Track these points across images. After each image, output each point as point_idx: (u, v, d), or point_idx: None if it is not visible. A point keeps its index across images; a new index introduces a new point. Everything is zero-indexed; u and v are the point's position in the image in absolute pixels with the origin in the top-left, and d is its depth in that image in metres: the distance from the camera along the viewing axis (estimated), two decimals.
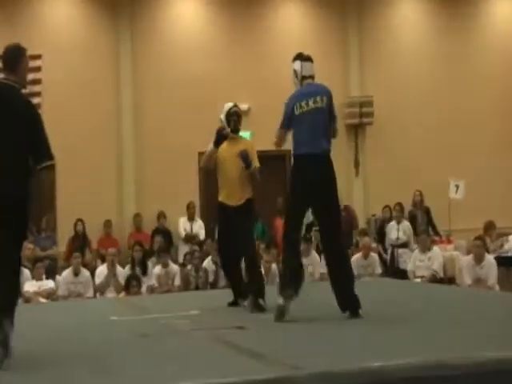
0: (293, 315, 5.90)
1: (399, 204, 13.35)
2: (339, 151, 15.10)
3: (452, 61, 15.79)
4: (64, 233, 13.46)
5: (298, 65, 6.34)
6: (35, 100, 13.92)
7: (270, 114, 14.43)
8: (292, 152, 6.23)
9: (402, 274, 11.83)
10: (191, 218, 13.83)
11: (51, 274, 11.68)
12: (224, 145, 7.16)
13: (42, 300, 10.81)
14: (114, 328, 6.11)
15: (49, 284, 11.17)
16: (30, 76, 13.74)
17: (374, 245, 12.74)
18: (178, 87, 14.39)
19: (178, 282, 11.46)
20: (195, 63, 14.60)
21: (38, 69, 13.95)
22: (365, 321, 5.87)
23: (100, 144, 14.10)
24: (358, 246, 12.52)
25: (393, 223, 13.08)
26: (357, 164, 15.42)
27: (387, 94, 15.32)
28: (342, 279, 6.06)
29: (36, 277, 11.18)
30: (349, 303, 6.01)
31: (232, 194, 6.97)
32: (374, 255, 11.93)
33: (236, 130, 7.18)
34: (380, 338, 5.14)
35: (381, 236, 13.44)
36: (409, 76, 15.62)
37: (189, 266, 11.86)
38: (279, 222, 13.78)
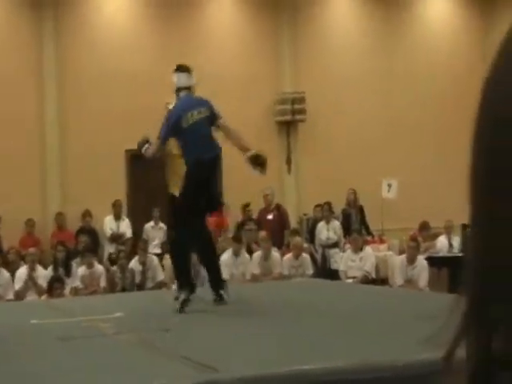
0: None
1: (328, 203, 13.50)
2: (271, 149, 15.32)
3: (385, 58, 16.01)
4: None
5: (174, 77, 6.75)
6: None
7: None
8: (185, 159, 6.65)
9: (333, 275, 11.96)
10: (118, 217, 13.71)
11: None
12: None
13: None
14: (33, 332, 6.02)
15: None
16: None
17: (305, 245, 12.84)
18: (105, 84, 14.25)
19: (103, 283, 11.36)
20: (123, 59, 14.47)
21: None
22: (290, 322, 5.91)
23: (22, 139, 13.86)
24: (289, 246, 12.61)
25: (322, 223, 13.22)
26: (289, 162, 15.51)
27: (320, 90, 15.41)
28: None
29: None
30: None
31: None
32: (306, 255, 12.02)
33: None
34: (303, 339, 5.18)
35: (312, 236, 13.58)
36: (342, 72, 15.76)
37: (114, 267, 11.76)
38: (210, 220, 13.78)
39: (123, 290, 11.39)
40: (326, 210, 13.37)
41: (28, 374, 4.40)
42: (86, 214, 13.75)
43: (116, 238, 13.41)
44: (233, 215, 14.07)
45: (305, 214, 15.03)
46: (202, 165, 6.58)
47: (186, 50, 14.86)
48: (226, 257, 11.49)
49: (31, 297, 10.73)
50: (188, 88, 6.72)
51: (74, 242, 13.02)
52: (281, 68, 15.58)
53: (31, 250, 11.49)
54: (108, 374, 4.35)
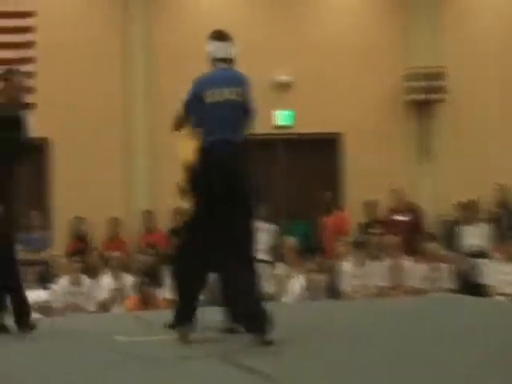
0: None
1: (473, 202, 13.15)
2: (399, 133, 15.13)
3: None
4: (61, 233, 13.53)
5: (210, 46, 6.48)
6: (27, 67, 14.00)
7: (316, 88, 14.71)
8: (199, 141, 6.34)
9: (479, 290, 11.65)
10: None
11: (43, 281, 11.70)
12: None
13: (34, 315, 10.79)
14: (118, 351, 6.05)
15: (41, 294, 11.18)
16: (21, 38, 13.97)
17: (444, 253, 12.53)
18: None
19: None
20: (222, 27, 14.49)
21: (28, 29, 14.03)
22: (429, 349, 5.74)
23: (106, 129, 14.05)
24: (423, 254, 12.31)
25: (466, 226, 12.90)
26: (423, 150, 15.20)
27: (464, 64, 15.07)
28: None
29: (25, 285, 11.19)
30: None
31: None
32: (444, 266, 11.74)
33: None
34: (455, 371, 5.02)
35: (452, 242, 13.27)
36: (489, 45, 15.35)
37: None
38: (327, 222, 13.70)
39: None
40: (470, 211, 13.02)
41: None
42: (178, 212, 13.80)
43: None
44: (354, 216, 13.90)
45: (443, 215, 14.71)
46: (215, 156, 6.26)
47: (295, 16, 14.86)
48: (346, 266, 11.38)
49: (116, 309, 10.86)
50: (225, 60, 6.46)
51: (165, 245, 13.08)
52: (416, 38, 15.28)
53: (115, 253, 11.63)
54: None
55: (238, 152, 6.33)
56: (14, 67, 7.18)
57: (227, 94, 6.26)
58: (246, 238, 6.35)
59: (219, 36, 6.46)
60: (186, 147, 6.45)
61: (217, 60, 6.42)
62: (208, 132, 6.25)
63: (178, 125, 6.54)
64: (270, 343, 5.89)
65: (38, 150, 13.27)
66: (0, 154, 6.73)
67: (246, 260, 6.27)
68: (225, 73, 6.39)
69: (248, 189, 6.39)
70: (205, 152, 6.23)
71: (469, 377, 4.80)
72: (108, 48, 14.20)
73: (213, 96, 6.22)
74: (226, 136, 6.25)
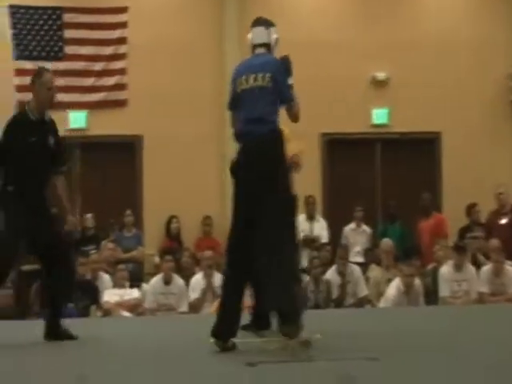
0: None
1: None
2: (504, 134, 14.88)
3: None
4: (153, 231, 13.71)
5: (251, 33, 6.31)
6: (119, 64, 14.20)
7: (414, 86, 14.56)
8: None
9: None
10: (311, 217, 13.71)
11: (136, 280, 11.85)
12: None
13: (125, 313, 10.95)
14: (214, 355, 6.07)
15: (133, 294, 11.32)
16: (115, 34, 14.17)
17: None
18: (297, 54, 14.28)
19: None
20: (318, 25, 14.50)
21: (123, 24, 14.20)
22: None
23: (198, 126, 14.14)
24: None
25: None
26: None
27: None
28: None
29: (118, 283, 11.35)
30: None
31: None
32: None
33: None
34: None
35: None
36: None
37: (307, 278, 11.77)
38: (425, 224, 13.58)
39: (316, 306, 11.39)
40: None
41: None
42: None
43: (309, 242, 13.41)
44: (455, 218, 13.73)
45: None
46: (245, 148, 6.11)
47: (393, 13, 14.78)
48: (445, 270, 11.25)
49: (208, 309, 10.91)
50: (263, 45, 6.23)
51: None
52: None
53: (208, 253, 11.69)
54: None
55: (265, 143, 6.02)
56: (44, 67, 7.06)
57: (254, 81, 6.05)
58: (278, 229, 5.99)
59: (256, 22, 6.31)
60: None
61: (254, 46, 6.25)
62: (239, 121, 6.16)
63: (232, 123, 6.38)
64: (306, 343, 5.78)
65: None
66: (37, 160, 6.71)
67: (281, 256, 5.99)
68: (257, 59, 6.20)
69: (277, 180, 6.03)
70: (237, 143, 6.17)
71: None
72: (201, 43, 14.28)
73: (241, 84, 6.09)
74: (253, 126, 6.01)
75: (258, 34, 6.22)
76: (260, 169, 5.94)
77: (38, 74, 6.83)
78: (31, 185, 6.62)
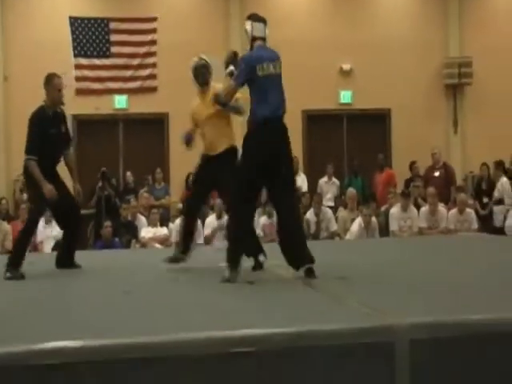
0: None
1: (501, 162, 12.75)
2: (438, 110, 14.84)
3: None
4: (176, 185, 13.65)
5: (248, 25, 5.69)
6: (151, 60, 14.09)
7: (371, 74, 14.45)
8: (251, 115, 5.53)
9: (497, 232, 11.35)
10: (295, 173, 13.61)
11: (164, 221, 11.82)
12: (197, 102, 6.55)
13: (157, 245, 10.93)
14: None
15: (163, 231, 11.29)
16: (148, 37, 14.05)
17: (470, 201, 12.26)
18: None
19: None
20: (300, 26, 14.34)
21: (153, 30, 14.13)
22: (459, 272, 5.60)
23: None
24: (455, 202, 12.07)
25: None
26: (455, 123, 14.88)
27: (486, 55, 14.63)
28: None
29: (151, 223, 11.32)
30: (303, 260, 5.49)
31: (213, 144, 6.47)
32: (470, 211, 11.44)
33: (205, 82, 6.47)
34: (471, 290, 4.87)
35: (478, 193, 12.96)
36: (508, 38, 14.85)
37: None
38: (379, 177, 13.54)
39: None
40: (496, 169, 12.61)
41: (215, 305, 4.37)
42: None
43: None
44: (402, 173, 13.69)
45: (471, 172, 14.40)
46: (273, 127, 5.49)
47: (356, 18, 14.60)
48: (394, 211, 11.21)
49: (219, 242, 10.87)
50: (263, 39, 5.68)
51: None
52: (448, 33, 14.89)
53: (218, 200, 11.61)
54: (279, 308, 4.32)
55: (285, 126, 5.55)
56: (55, 73, 6.50)
57: (273, 68, 5.55)
58: (292, 201, 5.66)
59: (258, 18, 5.76)
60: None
61: (256, 38, 5.65)
62: (260, 105, 5.49)
63: (230, 97, 5.78)
64: (313, 275, 5.44)
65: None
66: (54, 146, 6.41)
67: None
68: (267, 49, 5.66)
69: (291, 162, 5.64)
70: (257, 125, 5.48)
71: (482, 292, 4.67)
72: (211, 43, 14.05)
73: (263, 69, 5.49)
74: (278, 111, 5.53)
75: (259, 28, 5.69)
76: (286, 144, 5.52)
77: (49, 79, 6.43)
78: (49, 166, 6.36)
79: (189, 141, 6.65)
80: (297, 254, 5.52)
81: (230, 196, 5.81)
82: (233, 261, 5.50)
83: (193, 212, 6.62)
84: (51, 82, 6.40)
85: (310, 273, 5.44)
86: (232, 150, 6.38)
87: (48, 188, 6.14)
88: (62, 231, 6.85)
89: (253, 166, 5.46)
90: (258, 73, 5.49)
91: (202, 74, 6.46)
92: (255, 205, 5.87)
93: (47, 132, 6.32)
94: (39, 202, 6.30)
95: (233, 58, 5.88)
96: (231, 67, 5.80)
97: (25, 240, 6.34)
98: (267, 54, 5.61)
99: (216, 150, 6.43)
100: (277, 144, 5.48)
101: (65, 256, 6.64)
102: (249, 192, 5.51)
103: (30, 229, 6.43)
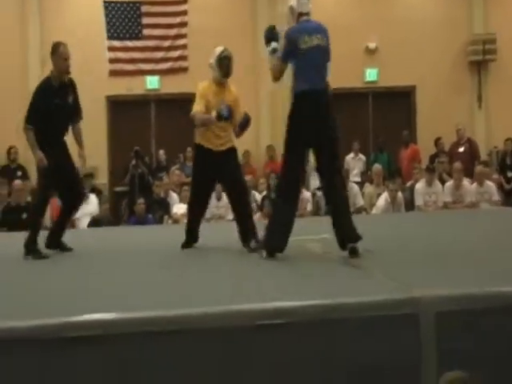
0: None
1: None
2: (463, 86, 14.66)
3: None
4: None
5: (294, 1, 5.55)
6: (182, 41, 14.06)
7: (396, 52, 14.29)
8: (294, 87, 5.42)
9: None
10: None
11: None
12: (213, 89, 6.45)
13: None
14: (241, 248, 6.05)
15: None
16: (178, 20, 14.01)
17: (495, 176, 12.11)
18: None
19: (309, 207, 11.34)
20: (330, 9, 14.19)
21: (184, 13, 14.07)
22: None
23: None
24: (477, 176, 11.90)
25: None
26: (479, 98, 14.69)
27: (511, 32, 14.39)
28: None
29: (183, 200, 11.34)
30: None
31: (222, 140, 6.35)
32: (490, 183, 11.26)
33: (228, 74, 6.38)
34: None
35: (502, 168, 12.81)
36: None
37: (319, 193, 11.67)
38: (404, 153, 13.44)
39: (327, 213, 11.29)
40: None
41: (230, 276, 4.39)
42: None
43: None
44: (427, 148, 13.57)
45: (495, 147, 14.24)
46: (312, 100, 5.33)
47: None
48: (419, 186, 11.13)
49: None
50: (308, 14, 5.56)
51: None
52: (473, 11, 14.66)
53: (248, 177, 11.64)
54: (310, 282, 4.33)
55: (328, 99, 5.46)
56: (60, 41, 6.14)
57: (317, 40, 5.43)
58: (336, 172, 5.52)
59: None
60: None
61: (301, 14, 5.53)
62: (303, 78, 5.37)
63: (278, 74, 5.53)
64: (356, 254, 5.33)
65: None
66: (58, 117, 6.13)
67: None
68: (311, 23, 5.55)
69: (335, 134, 5.47)
70: (299, 99, 5.37)
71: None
72: (238, 27, 14.00)
73: (305, 42, 5.36)
74: (319, 84, 5.40)
75: (304, 4, 5.56)
76: (327, 119, 5.40)
77: (55, 48, 6.09)
78: (54, 136, 6.10)
79: (231, 113, 6.24)
80: (342, 232, 5.40)
81: (278, 179, 5.71)
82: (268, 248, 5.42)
83: (199, 210, 6.75)
84: (57, 51, 6.07)
85: (353, 251, 5.32)
86: (235, 149, 6.38)
87: (39, 156, 5.90)
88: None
89: (297, 142, 5.33)
90: (300, 46, 5.37)
91: (226, 65, 6.34)
92: (299, 190, 5.75)
93: (50, 102, 6.04)
94: (43, 177, 6.07)
95: (273, 33, 5.72)
96: (273, 44, 5.62)
97: (34, 217, 6.16)
98: (311, 26, 5.50)
99: (224, 146, 6.33)
100: (316, 118, 5.31)
101: (54, 234, 6.36)
102: (293, 172, 5.40)
103: (39, 206, 6.18)
